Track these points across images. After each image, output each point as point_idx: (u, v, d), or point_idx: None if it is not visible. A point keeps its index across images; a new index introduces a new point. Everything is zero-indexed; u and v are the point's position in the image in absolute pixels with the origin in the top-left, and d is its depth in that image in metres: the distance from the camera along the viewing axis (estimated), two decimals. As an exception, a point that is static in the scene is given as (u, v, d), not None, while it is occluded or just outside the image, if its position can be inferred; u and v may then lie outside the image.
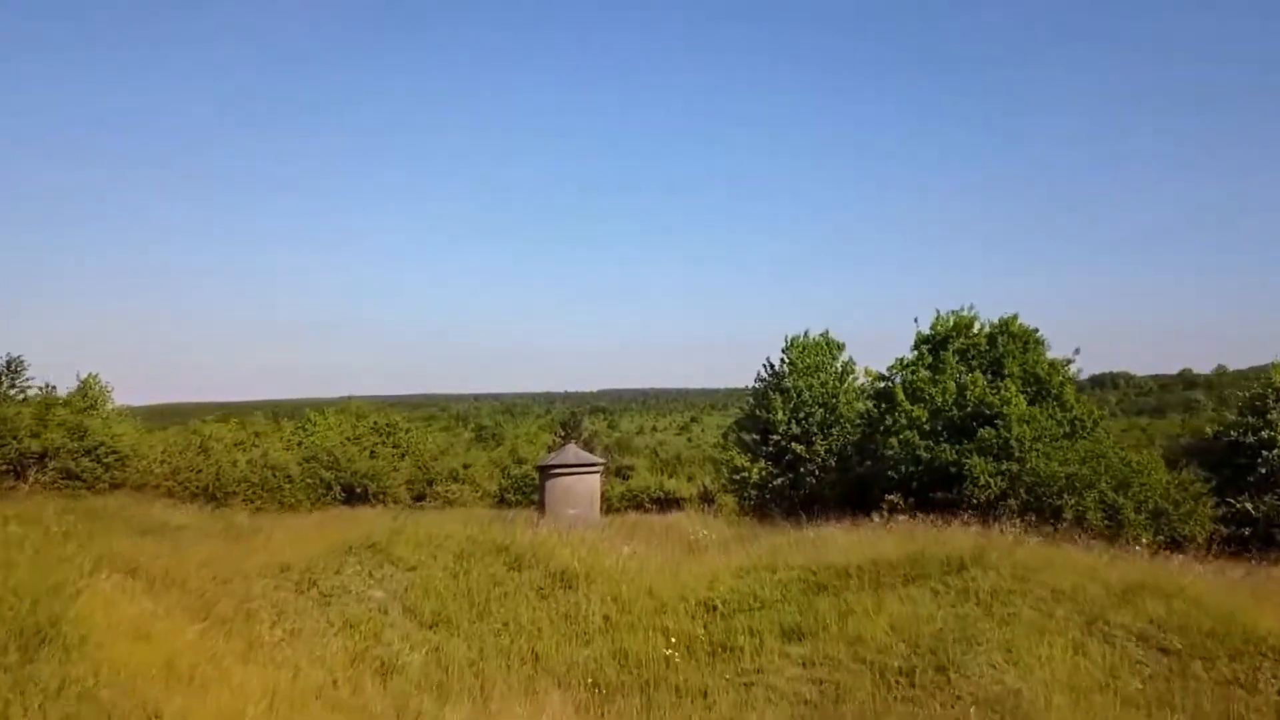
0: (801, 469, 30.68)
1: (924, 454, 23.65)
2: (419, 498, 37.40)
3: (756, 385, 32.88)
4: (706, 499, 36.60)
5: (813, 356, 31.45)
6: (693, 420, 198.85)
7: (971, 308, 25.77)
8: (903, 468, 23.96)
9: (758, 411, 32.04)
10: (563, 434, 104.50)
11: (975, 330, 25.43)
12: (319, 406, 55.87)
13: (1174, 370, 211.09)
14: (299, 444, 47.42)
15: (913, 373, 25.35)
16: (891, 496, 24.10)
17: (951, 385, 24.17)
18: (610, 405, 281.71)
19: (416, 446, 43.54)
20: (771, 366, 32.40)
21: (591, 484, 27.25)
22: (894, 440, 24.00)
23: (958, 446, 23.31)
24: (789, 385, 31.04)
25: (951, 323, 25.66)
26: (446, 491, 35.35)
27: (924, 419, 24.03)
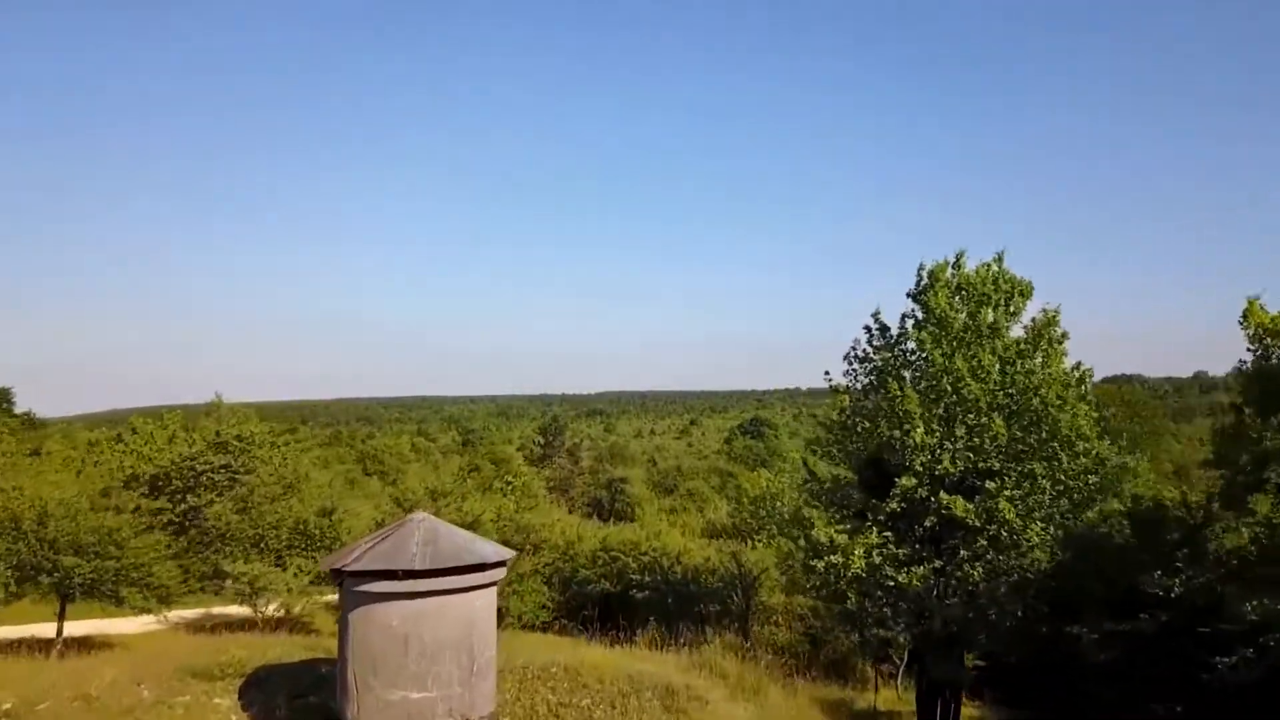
0: (963, 551, 14.04)
1: None
2: (211, 579, 20.77)
3: (851, 373, 16.11)
4: (741, 589, 19.92)
5: (978, 304, 14.68)
6: (692, 423, 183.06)
7: None
8: None
9: (858, 424, 15.34)
10: (543, 441, 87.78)
11: None
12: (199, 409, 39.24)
13: (1188, 373, 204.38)
14: (123, 463, 30.98)
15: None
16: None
17: None
18: (609, 408, 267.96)
19: (262, 478, 26.89)
20: (884, 329, 15.66)
21: (470, 615, 10.50)
22: None
23: None
24: (931, 365, 14.34)
25: None
26: (250, 575, 18.47)
27: None
